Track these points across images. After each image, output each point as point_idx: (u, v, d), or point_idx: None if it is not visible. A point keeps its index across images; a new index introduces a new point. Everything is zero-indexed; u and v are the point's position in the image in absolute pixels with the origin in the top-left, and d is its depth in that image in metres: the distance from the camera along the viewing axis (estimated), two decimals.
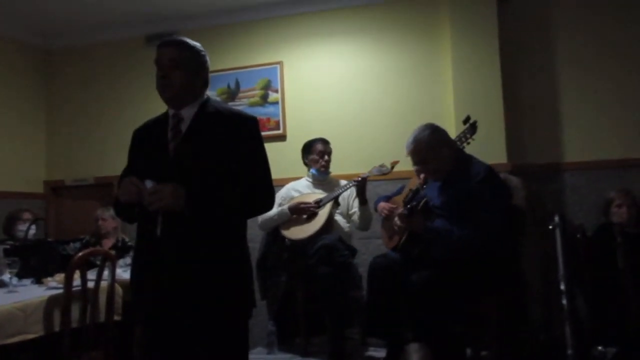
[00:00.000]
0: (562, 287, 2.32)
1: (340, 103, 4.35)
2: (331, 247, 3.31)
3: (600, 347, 2.58)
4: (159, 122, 1.86)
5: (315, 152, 3.68)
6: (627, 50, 3.83)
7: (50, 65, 5.10)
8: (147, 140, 1.85)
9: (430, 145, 2.68)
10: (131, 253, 3.84)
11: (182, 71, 1.76)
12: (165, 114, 1.86)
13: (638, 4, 3.83)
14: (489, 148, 3.39)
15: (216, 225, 1.71)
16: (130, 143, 1.91)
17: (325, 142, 3.72)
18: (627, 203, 3.15)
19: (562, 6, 3.98)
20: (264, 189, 1.81)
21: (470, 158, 2.77)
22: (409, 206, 2.75)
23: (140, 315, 1.80)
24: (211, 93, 4.39)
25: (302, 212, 3.50)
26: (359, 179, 3.42)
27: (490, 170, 2.67)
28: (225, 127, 1.76)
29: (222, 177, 1.70)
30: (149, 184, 1.63)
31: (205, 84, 1.86)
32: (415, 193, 3.10)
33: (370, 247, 3.92)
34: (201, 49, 1.84)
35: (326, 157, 3.69)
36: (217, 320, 1.70)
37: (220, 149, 1.72)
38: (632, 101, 3.80)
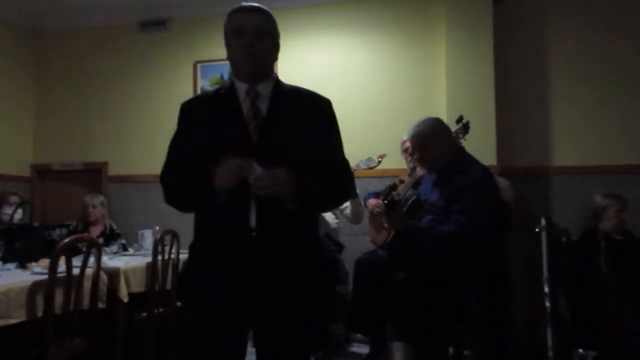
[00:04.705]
0: (546, 289, 2.34)
1: (332, 97, 4.30)
2: None
3: (580, 350, 2.61)
4: (220, 98, 1.63)
5: None
6: (615, 59, 3.90)
7: (39, 47, 5.02)
8: (210, 118, 1.59)
9: (433, 132, 2.69)
10: (119, 241, 3.81)
11: (267, 41, 1.60)
12: (228, 89, 1.63)
13: (626, 15, 3.91)
14: (479, 149, 3.39)
15: (306, 216, 1.58)
16: (179, 117, 1.65)
17: None
18: (625, 209, 3.19)
19: (555, 14, 4.03)
20: (348, 178, 1.69)
21: (468, 156, 2.76)
22: (385, 201, 2.75)
23: (202, 308, 1.54)
24: (204, 82, 4.35)
25: None
26: None
27: (485, 172, 2.68)
28: (305, 109, 1.62)
29: (309, 165, 1.53)
30: (257, 169, 1.45)
31: (276, 60, 1.69)
32: (392, 188, 3.08)
33: (357, 244, 3.93)
34: None
35: None
36: (309, 319, 1.59)
37: (304, 132, 1.57)
38: (617, 109, 3.88)
